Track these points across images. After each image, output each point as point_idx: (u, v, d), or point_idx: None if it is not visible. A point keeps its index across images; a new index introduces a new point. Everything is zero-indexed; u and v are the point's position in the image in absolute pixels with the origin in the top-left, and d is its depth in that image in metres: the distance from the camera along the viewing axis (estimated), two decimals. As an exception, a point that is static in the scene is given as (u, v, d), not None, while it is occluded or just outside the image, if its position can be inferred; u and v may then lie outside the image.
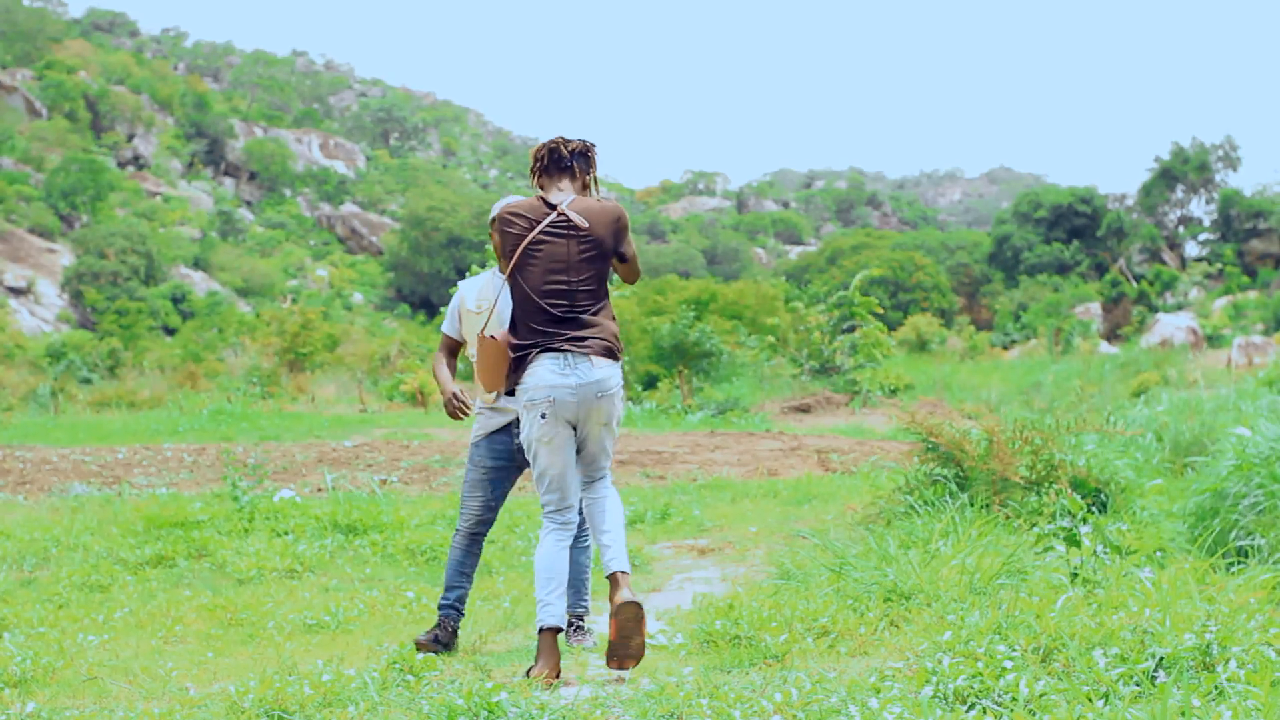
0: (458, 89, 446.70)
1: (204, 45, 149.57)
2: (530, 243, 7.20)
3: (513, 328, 7.34)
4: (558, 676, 6.86)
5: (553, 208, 7.29)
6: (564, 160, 7.45)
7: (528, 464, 8.10)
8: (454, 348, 8.48)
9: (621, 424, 7.52)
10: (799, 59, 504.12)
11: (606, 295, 7.37)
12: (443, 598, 8.42)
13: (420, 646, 8.04)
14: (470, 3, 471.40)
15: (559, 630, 7.02)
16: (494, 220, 8.00)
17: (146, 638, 9.23)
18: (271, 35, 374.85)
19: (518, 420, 8.18)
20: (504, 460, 8.34)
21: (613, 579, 7.04)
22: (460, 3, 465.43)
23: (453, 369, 8.49)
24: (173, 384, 42.61)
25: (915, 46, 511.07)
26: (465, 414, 8.20)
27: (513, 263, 7.23)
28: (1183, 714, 4.75)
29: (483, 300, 8.17)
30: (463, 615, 8.48)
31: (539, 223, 7.23)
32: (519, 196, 8.04)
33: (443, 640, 8.28)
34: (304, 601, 10.40)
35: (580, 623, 8.37)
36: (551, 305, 7.17)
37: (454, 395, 8.17)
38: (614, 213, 7.34)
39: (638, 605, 6.85)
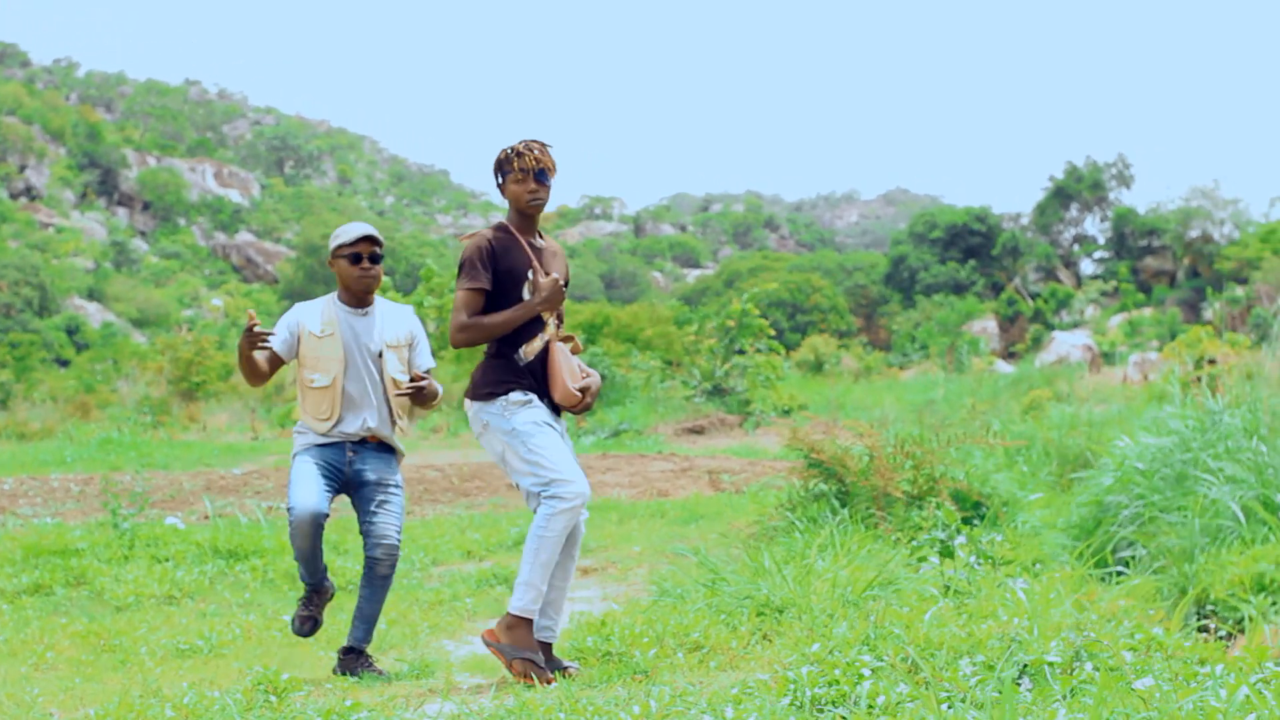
0: (352, 117, 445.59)
1: (96, 75, 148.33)
2: None
3: None
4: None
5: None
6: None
7: (353, 484, 8.00)
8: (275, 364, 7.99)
9: (513, 457, 7.16)
10: (694, 84, 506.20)
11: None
12: (307, 577, 8.08)
13: (301, 624, 8.06)
14: (364, 31, 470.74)
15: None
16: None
17: (17, 665, 9.12)
18: (164, 65, 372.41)
19: (349, 442, 7.99)
20: (339, 468, 7.93)
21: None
22: (354, 31, 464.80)
23: (257, 371, 7.90)
24: (64, 415, 42.11)
25: (810, 70, 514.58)
26: (262, 339, 7.68)
27: None
28: (1025, 715, 4.78)
29: (326, 325, 7.99)
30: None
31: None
32: (361, 226, 8.04)
33: (319, 617, 8.16)
34: (180, 627, 10.33)
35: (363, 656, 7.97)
36: None
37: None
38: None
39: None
